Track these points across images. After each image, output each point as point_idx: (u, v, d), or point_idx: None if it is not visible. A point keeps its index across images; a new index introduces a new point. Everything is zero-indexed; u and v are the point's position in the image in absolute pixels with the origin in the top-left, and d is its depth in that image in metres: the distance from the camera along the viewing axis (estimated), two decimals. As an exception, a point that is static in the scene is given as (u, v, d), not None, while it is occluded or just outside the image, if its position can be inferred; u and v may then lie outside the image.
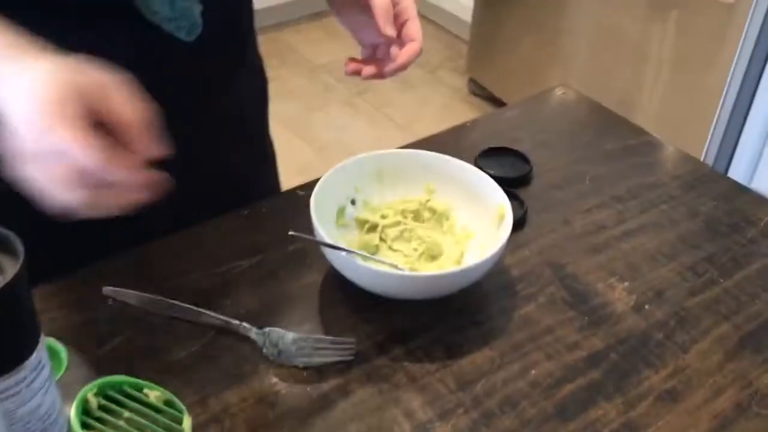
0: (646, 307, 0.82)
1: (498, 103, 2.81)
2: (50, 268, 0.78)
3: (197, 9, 0.80)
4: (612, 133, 1.07)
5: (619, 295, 0.84)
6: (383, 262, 0.80)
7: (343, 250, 0.76)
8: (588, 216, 0.93)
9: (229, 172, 0.95)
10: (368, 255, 0.80)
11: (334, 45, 3.14)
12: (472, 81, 2.96)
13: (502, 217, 0.82)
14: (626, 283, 0.85)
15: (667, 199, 0.96)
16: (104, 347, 0.74)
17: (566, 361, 0.76)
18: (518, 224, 0.90)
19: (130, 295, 0.78)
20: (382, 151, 0.88)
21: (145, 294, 0.78)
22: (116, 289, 0.79)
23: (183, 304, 0.77)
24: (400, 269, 0.80)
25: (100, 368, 0.71)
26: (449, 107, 2.92)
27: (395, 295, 0.78)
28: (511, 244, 0.88)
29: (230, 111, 0.93)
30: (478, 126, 1.06)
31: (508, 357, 0.76)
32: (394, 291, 0.77)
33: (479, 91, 2.94)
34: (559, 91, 1.14)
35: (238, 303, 0.79)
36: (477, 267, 0.76)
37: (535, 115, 1.09)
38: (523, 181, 0.97)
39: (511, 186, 0.95)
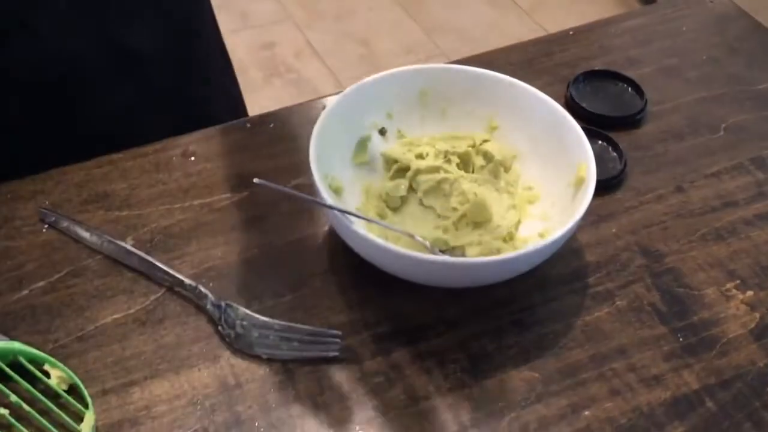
0: (773, 334, 0.57)
1: (644, -5, 2.42)
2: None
3: None
4: (769, 66, 0.77)
5: (735, 311, 0.59)
6: (395, 231, 0.57)
7: (333, 208, 0.53)
8: (713, 184, 0.67)
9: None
10: (369, 219, 0.57)
11: None
12: (618, -34, 2.56)
13: (581, 180, 0.57)
14: (750, 293, 0.59)
15: (833, 172, 0.68)
16: (15, 293, 0.56)
17: (639, 404, 0.53)
18: (610, 186, 0.65)
19: (69, 225, 0.60)
20: (428, 65, 0.63)
21: (87, 225, 0.59)
22: (55, 214, 0.60)
23: (130, 248, 0.58)
24: (420, 242, 0.57)
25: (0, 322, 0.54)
26: (585, -5, 2.55)
27: (410, 278, 0.56)
28: (593, 215, 0.63)
29: None
30: (584, 37, 0.79)
31: (555, 385, 0.54)
32: (406, 274, 0.55)
33: (624, -21, 2.54)
34: (705, -2, 0.85)
35: (205, 253, 0.60)
36: (530, 255, 0.53)
37: (667, 28, 0.81)
38: (630, 122, 0.71)
39: (611, 128, 0.69)
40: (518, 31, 2.36)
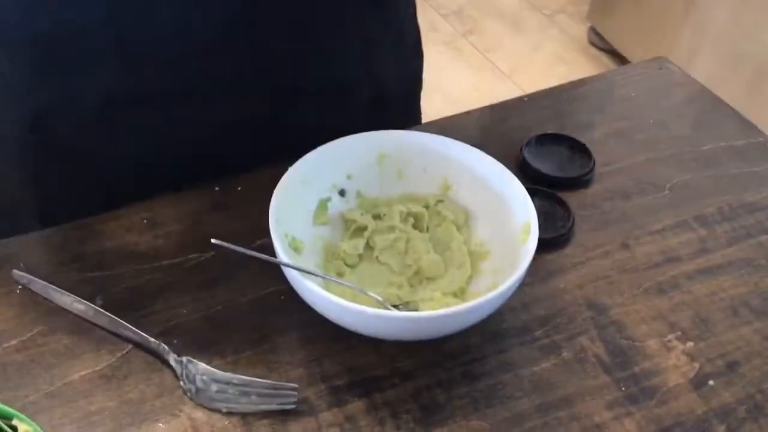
0: (711, 383, 0.60)
1: (620, 59, 2.51)
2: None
3: None
4: (714, 129, 0.82)
5: (676, 361, 0.61)
6: (350, 287, 0.60)
7: (289, 266, 0.57)
8: (657, 240, 0.70)
9: None
10: (324, 276, 0.60)
11: (446, -22, 2.89)
12: (593, 30, 2.64)
13: (527, 238, 0.61)
14: (689, 344, 0.63)
15: (773, 227, 0.72)
16: (-12, 352, 0.59)
17: (581, 451, 0.56)
18: (559, 243, 0.69)
19: (42, 286, 0.63)
20: (385, 132, 0.67)
21: (58, 287, 0.62)
22: (29, 276, 0.63)
23: (98, 308, 0.61)
24: (373, 297, 0.60)
25: (-27, 381, 0.57)
26: (563, 58, 2.63)
27: (364, 332, 0.59)
28: (542, 270, 0.67)
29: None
30: (538, 103, 0.84)
31: (502, 434, 0.57)
32: (361, 328, 0.58)
33: (600, 43, 2.63)
34: (655, 66, 0.89)
35: (171, 311, 0.63)
36: (474, 309, 0.56)
37: (618, 94, 0.85)
38: (579, 183, 0.75)
39: (561, 188, 0.73)
40: (498, 92, 2.43)
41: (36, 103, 0.67)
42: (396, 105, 0.82)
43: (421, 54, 0.87)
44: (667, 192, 0.75)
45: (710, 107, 0.84)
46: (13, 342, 0.60)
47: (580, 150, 0.76)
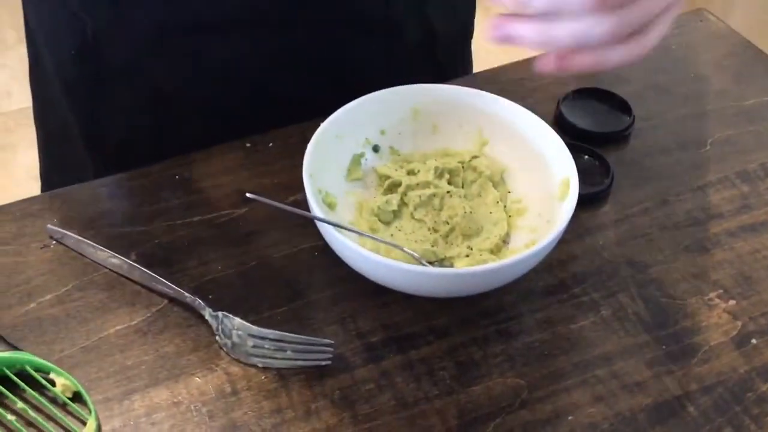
0: (753, 341, 0.59)
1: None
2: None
3: None
4: (757, 82, 0.79)
5: (718, 319, 0.60)
6: (385, 243, 0.59)
7: (323, 221, 0.56)
8: (698, 197, 0.68)
9: None
10: (359, 231, 0.59)
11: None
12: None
13: (566, 193, 0.59)
14: (732, 302, 0.61)
15: (818, 184, 0.70)
16: (24, 306, 0.59)
17: (621, 410, 0.55)
18: (597, 199, 0.67)
19: (75, 241, 0.63)
20: (419, 85, 0.66)
21: (92, 242, 0.62)
22: (62, 231, 0.63)
23: (133, 263, 0.61)
24: (409, 253, 0.59)
25: (6, 334, 0.57)
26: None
27: (399, 288, 0.58)
28: (580, 227, 0.65)
29: None
30: (575, 56, 0.81)
31: (540, 391, 0.56)
32: (396, 284, 0.57)
33: (632, -1, 2.56)
34: (695, 18, 0.87)
35: (205, 267, 0.62)
36: (512, 265, 0.55)
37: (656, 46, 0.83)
38: (618, 138, 0.73)
39: (599, 144, 0.71)
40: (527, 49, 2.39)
41: (91, 25, 0.70)
42: (444, 50, 0.81)
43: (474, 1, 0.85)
44: (708, 147, 0.73)
45: (752, 60, 0.82)
46: (48, 297, 0.60)
47: (618, 105, 0.74)
